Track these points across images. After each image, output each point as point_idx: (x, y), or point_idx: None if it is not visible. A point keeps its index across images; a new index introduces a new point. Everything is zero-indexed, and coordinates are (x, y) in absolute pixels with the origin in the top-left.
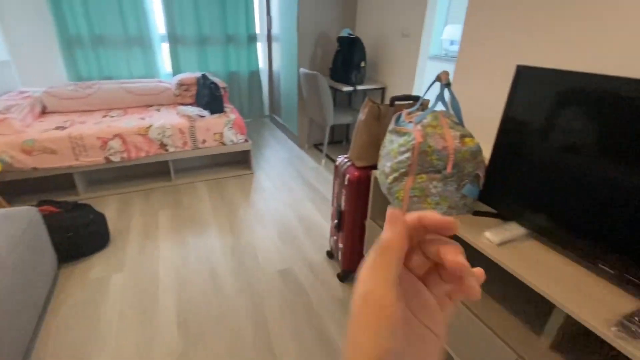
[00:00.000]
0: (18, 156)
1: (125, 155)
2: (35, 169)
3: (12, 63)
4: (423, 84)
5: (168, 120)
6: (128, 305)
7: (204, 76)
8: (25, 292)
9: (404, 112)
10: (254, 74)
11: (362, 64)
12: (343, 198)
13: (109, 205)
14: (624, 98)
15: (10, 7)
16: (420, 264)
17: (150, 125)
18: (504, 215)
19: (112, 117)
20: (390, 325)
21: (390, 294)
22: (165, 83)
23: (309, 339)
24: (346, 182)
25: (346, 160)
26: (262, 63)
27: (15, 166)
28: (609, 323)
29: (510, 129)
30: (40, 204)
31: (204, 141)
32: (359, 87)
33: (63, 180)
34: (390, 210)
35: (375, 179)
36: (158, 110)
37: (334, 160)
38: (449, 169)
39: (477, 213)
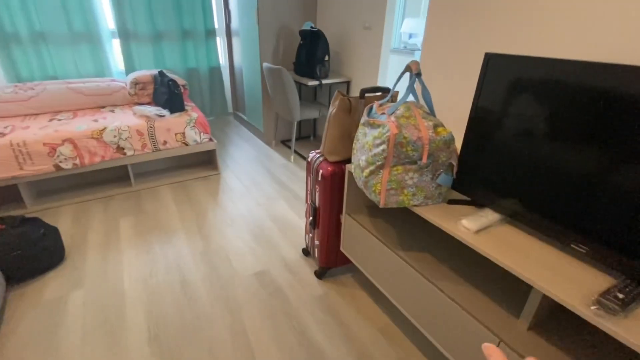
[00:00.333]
0: None
1: (77, 161)
2: None
3: None
4: (387, 76)
5: (124, 121)
6: (91, 326)
7: (161, 73)
8: None
9: (376, 104)
10: (215, 70)
11: (326, 58)
12: (317, 194)
13: (63, 217)
14: (589, 83)
15: None
16: None
17: (105, 128)
18: (477, 202)
19: (59, 120)
20: None
21: None
22: (119, 82)
23: (291, 342)
24: (319, 178)
25: (318, 155)
26: (222, 59)
27: None
28: (587, 302)
29: (480, 116)
30: None
31: (165, 142)
32: (325, 81)
33: (7, 193)
34: (486, 347)
35: (350, 173)
36: (112, 111)
37: (303, 157)
38: (424, 159)
39: (452, 201)
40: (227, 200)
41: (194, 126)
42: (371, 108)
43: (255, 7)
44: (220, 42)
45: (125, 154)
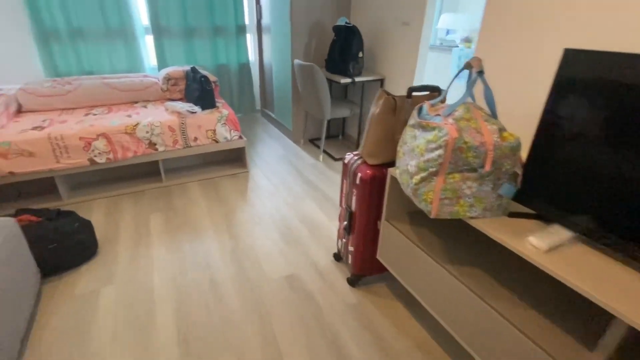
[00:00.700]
0: None
1: (111, 156)
2: (12, 173)
3: None
4: (424, 75)
5: (156, 117)
6: (122, 323)
7: (193, 69)
8: (5, 317)
9: (426, 104)
10: (244, 67)
11: (360, 55)
12: (354, 198)
13: (96, 211)
14: None
15: None
16: None
17: (138, 123)
18: (544, 216)
19: (95, 115)
20: None
21: None
22: (152, 77)
23: (323, 352)
24: (357, 182)
25: (356, 157)
26: (252, 55)
27: None
28: None
29: (553, 120)
30: (18, 213)
31: (196, 139)
32: (358, 79)
33: (43, 185)
34: None
35: (392, 178)
36: (145, 106)
37: (332, 156)
38: (487, 167)
39: (513, 214)
40: (256, 199)
41: (224, 123)
42: (421, 108)
43: (288, 3)
44: (250, 39)
45: (156, 149)
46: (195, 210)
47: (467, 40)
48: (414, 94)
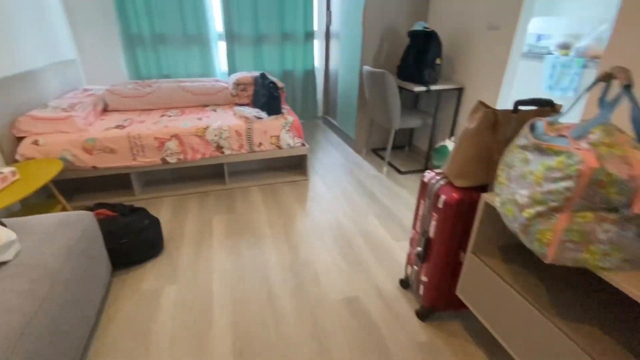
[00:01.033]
0: (79, 155)
1: (181, 156)
2: (94, 167)
3: (79, 62)
4: (513, 85)
5: (225, 121)
6: (180, 327)
7: (262, 75)
8: (77, 307)
9: (544, 121)
10: (309, 73)
11: (438, 61)
12: (433, 223)
13: (164, 208)
14: None
15: (80, 7)
16: None
17: (208, 127)
18: None
19: (169, 116)
20: None
21: None
22: (222, 82)
23: None
24: (440, 205)
25: (439, 177)
26: (317, 61)
27: (76, 165)
28: None
29: None
30: (96, 207)
31: (260, 144)
32: (433, 87)
33: (120, 181)
34: None
35: (487, 205)
36: (214, 110)
37: (397, 169)
38: (636, 209)
39: None
40: (315, 209)
41: (289, 130)
42: (534, 126)
43: (361, 8)
44: (318, 45)
45: (223, 152)
46: (256, 215)
47: (565, 46)
48: (521, 108)
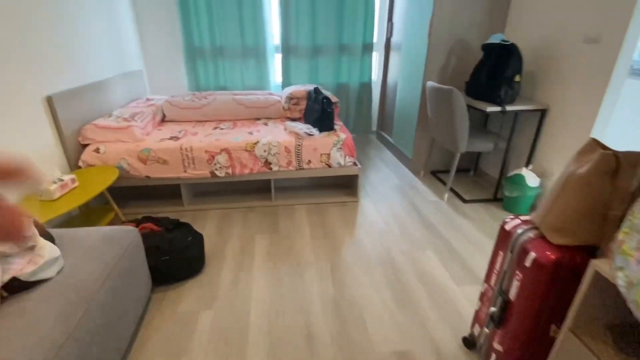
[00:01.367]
0: (134, 164)
1: (229, 170)
2: (148, 177)
3: (144, 72)
4: (616, 109)
5: (275, 136)
6: (214, 358)
7: (316, 90)
8: (111, 332)
9: None
10: (365, 86)
11: (517, 78)
12: (515, 283)
13: (209, 221)
14: None
15: (149, 22)
16: None
17: (257, 142)
18: None
19: (221, 129)
20: None
21: None
22: (276, 96)
23: None
24: (528, 264)
25: (526, 226)
26: (375, 74)
27: (131, 173)
28: None
29: None
30: (142, 220)
31: (309, 162)
32: (510, 108)
33: (171, 190)
34: None
35: (597, 274)
36: (266, 124)
37: (460, 196)
38: None
39: None
40: (365, 236)
41: (340, 148)
42: None
43: (428, 19)
44: (376, 57)
45: (271, 169)
46: (299, 238)
47: None
48: None
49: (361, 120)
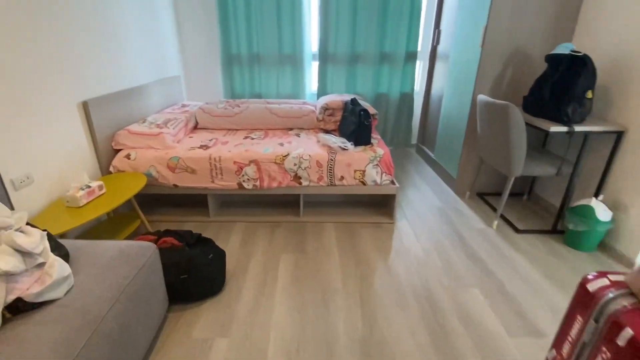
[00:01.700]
0: (163, 172)
1: (257, 183)
2: (175, 185)
3: (182, 78)
4: None
5: (307, 149)
6: None
7: (353, 101)
8: (122, 352)
9: None
10: (406, 97)
11: (589, 95)
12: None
13: (234, 233)
14: None
15: (189, 28)
16: None
17: (288, 154)
18: None
19: (252, 139)
20: None
21: None
22: (310, 105)
23: None
24: (622, 343)
25: (619, 291)
26: (417, 85)
27: (160, 181)
28: None
29: None
30: (164, 233)
31: (342, 178)
32: (579, 128)
33: (198, 199)
34: None
35: None
36: (298, 135)
37: (512, 225)
38: None
39: None
40: (400, 266)
41: (377, 164)
42: None
43: (482, 26)
44: (419, 67)
45: (300, 183)
46: (327, 261)
47: None
48: None
49: (400, 132)
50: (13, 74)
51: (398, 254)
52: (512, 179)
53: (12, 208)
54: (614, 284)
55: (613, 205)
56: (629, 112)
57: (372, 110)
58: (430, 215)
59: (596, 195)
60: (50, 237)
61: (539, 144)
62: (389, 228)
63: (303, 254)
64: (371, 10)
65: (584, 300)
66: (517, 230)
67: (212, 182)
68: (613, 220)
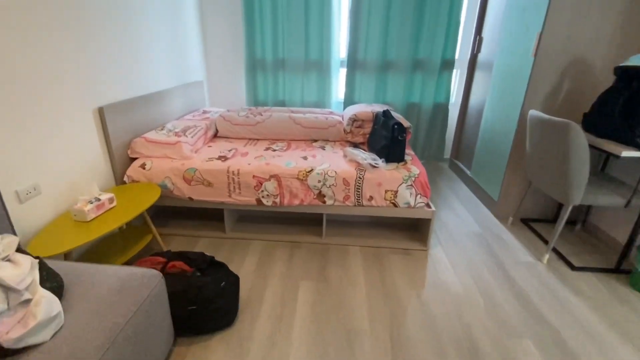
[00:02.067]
0: (178, 184)
1: (277, 200)
2: (191, 199)
3: (205, 83)
4: None
5: (333, 164)
6: None
7: (385, 113)
8: None
9: None
10: (441, 107)
11: None
12: None
13: (250, 253)
14: None
15: (214, 33)
16: None
17: (312, 170)
18: None
19: (274, 150)
20: None
21: None
22: (336, 116)
23: None
24: None
25: None
26: (454, 95)
27: (174, 193)
28: None
29: None
30: (174, 256)
31: (371, 198)
32: None
33: (214, 213)
34: None
35: None
36: (323, 147)
37: (567, 260)
38: None
39: None
40: (436, 304)
41: (411, 185)
42: None
43: (536, 32)
44: (456, 76)
45: (324, 202)
46: (352, 293)
47: None
48: None
49: (432, 145)
50: (25, 77)
51: (433, 288)
52: (570, 208)
53: (11, 226)
54: None
55: None
56: None
57: (405, 123)
58: (468, 243)
59: None
60: (42, 266)
61: (596, 166)
62: (421, 256)
63: (325, 283)
64: (405, 15)
65: None
66: (572, 267)
67: (229, 196)
68: None
